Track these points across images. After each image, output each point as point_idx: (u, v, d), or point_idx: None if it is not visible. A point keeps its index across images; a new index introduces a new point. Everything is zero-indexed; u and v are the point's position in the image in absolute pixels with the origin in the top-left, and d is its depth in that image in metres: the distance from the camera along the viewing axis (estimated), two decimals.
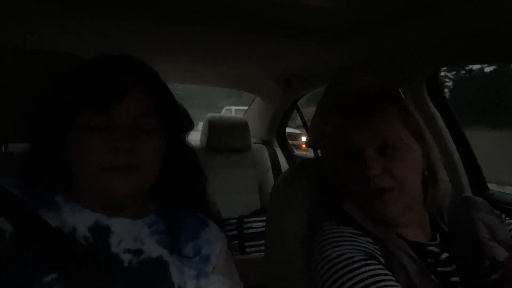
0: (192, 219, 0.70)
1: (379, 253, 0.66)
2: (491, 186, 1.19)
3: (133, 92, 0.60)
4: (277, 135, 2.34)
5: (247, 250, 1.71)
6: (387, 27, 0.97)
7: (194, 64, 1.59)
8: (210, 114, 2.09)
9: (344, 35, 1.11)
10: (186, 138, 0.74)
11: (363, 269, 0.61)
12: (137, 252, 0.60)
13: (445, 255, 0.71)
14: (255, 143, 2.29)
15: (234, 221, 1.75)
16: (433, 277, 0.66)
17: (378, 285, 0.58)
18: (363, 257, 0.63)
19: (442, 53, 1.00)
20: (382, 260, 0.65)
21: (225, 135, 2.03)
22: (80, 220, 0.59)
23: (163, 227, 0.66)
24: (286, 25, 1.11)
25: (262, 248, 1.72)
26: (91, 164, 0.57)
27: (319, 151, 1.03)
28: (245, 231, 1.74)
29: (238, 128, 2.07)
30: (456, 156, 1.16)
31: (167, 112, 0.65)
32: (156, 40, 1.23)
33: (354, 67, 0.89)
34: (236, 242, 1.73)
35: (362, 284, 0.59)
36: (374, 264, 0.62)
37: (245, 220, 1.77)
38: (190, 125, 0.74)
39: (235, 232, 1.73)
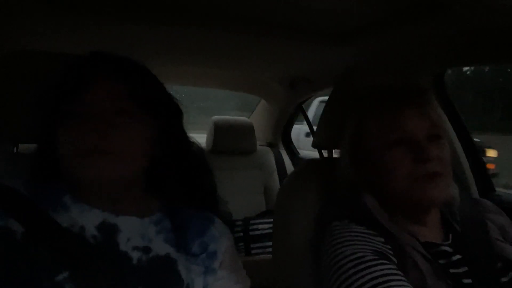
0: (197, 216, 0.70)
1: (391, 252, 0.66)
2: None
3: (104, 78, 0.62)
4: (283, 137, 2.34)
5: (253, 252, 1.72)
6: (392, 28, 0.97)
7: (197, 66, 1.60)
8: (216, 117, 2.09)
9: (348, 36, 1.11)
10: (181, 127, 0.73)
11: (374, 269, 0.60)
12: (146, 249, 0.61)
13: (457, 256, 0.71)
14: (260, 145, 2.29)
15: (240, 222, 1.76)
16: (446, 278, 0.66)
17: (388, 284, 0.58)
18: (374, 256, 0.62)
19: (448, 53, 1.00)
20: (395, 260, 0.65)
21: (231, 138, 2.03)
22: (88, 219, 0.60)
23: (170, 225, 0.67)
24: (290, 27, 1.11)
25: (268, 250, 1.72)
26: (67, 150, 0.58)
27: (323, 151, 1.03)
28: (251, 233, 1.74)
29: (243, 130, 2.08)
30: (463, 158, 1.16)
31: (148, 98, 0.65)
32: (160, 43, 1.23)
33: (360, 68, 0.90)
34: (242, 244, 1.73)
35: (372, 283, 0.58)
36: (385, 264, 0.62)
37: (251, 222, 1.77)
38: (178, 113, 0.74)
39: (241, 234, 1.74)
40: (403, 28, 0.95)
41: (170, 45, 1.29)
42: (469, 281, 0.68)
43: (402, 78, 0.95)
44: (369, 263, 0.61)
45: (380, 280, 0.58)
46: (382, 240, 0.68)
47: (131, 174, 0.63)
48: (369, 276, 0.59)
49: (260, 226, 1.74)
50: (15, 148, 0.83)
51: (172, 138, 0.69)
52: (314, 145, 0.99)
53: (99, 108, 0.60)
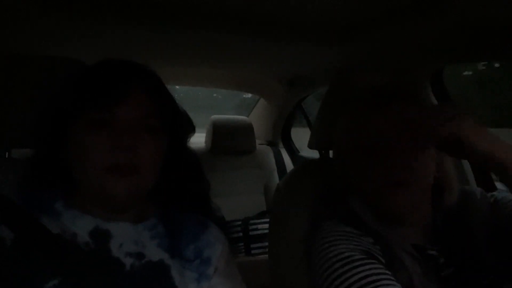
0: (192, 221, 0.70)
1: (380, 253, 0.66)
2: None
3: (136, 93, 0.62)
4: (282, 136, 2.33)
5: (253, 252, 1.71)
6: (389, 25, 0.96)
7: (196, 66, 1.59)
8: (214, 116, 2.09)
9: (345, 34, 1.10)
10: (187, 142, 0.74)
11: (361, 268, 0.60)
12: (139, 255, 0.60)
13: (444, 259, 0.70)
14: (260, 144, 2.28)
15: (239, 222, 1.75)
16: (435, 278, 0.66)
17: (376, 284, 0.58)
18: (362, 256, 0.62)
19: (445, 50, 0.99)
20: (383, 260, 0.65)
21: (230, 137, 2.03)
22: (80, 226, 0.59)
23: (164, 230, 0.66)
24: (287, 25, 1.11)
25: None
26: (92, 162, 0.57)
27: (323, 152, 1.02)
28: (250, 233, 1.73)
29: (242, 129, 2.07)
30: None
31: (169, 114, 0.66)
32: (158, 44, 1.23)
33: (354, 67, 0.88)
34: (241, 244, 1.73)
35: (360, 283, 0.58)
36: (373, 263, 0.61)
37: (251, 221, 1.76)
38: (191, 129, 0.75)
39: (241, 234, 1.73)
40: (400, 25, 0.94)
41: (168, 46, 1.29)
42: (447, 272, 0.68)
43: (398, 76, 0.94)
44: (357, 263, 0.61)
45: (369, 279, 0.58)
46: (371, 240, 0.68)
47: (148, 188, 0.64)
48: (357, 276, 0.59)
49: (260, 226, 1.74)
50: (7, 153, 0.83)
51: (179, 153, 0.71)
52: (310, 145, 0.98)
53: (131, 123, 0.60)
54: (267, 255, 0.91)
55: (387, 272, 0.61)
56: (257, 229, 1.74)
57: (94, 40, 1.14)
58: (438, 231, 0.75)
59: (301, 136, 2.36)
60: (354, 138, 0.73)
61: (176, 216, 0.69)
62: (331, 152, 0.94)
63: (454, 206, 0.75)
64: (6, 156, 0.82)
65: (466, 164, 1.12)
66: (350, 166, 0.74)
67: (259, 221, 1.76)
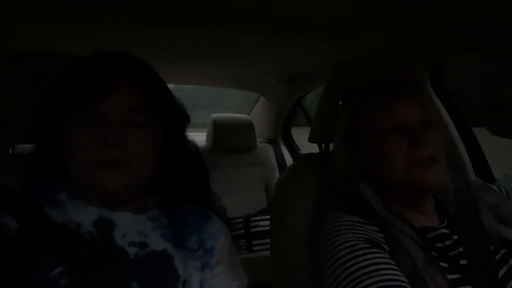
0: (194, 213, 0.71)
1: (384, 241, 0.67)
2: None
3: (123, 86, 0.61)
4: (283, 133, 2.34)
5: (255, 248, 1.72)
6: (388, 20, 0.96)
7: (194, 64, 1.59)
8: (215, 114, 2.09)
9: (344, 29, 1.11)
10: (184, 132, 0.73)
11: (365, 257, 0.61)
12: (142, 245, 0.61)
13: (452, 239, 0.73)
14: (261, 142, 2.29)
15: (241, 219, 1.76)
16: (440, 263, 0.67)
17: (379, 273, 0.59)
18: (367, 245, 0.64)
19: (444, 44, 0.99)
20: (387, 248, 0.66)
21: (230, 135, 2.03)
22: (84, 216, 0.60)
23: (166, 221, 0.67)
24: (285, 22, 1.11)
25: (269, 246, 1.72)
26: (82, 159, 0.57)
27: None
28: (252, 230, 1.74)
29: (243, 127, 2.07)
30: (463, 149, 1.15)
31: (161, 106, 0.65)
32: (156, 41, 1.23)
33: (354, 62, 0.89)
34: (243, 240, 1.73)
35: (363, 271, 0.59)
36: (377, 252, 0.63)
37: (252, 218, 1.77)
38: (186, 120, 0.74)
39: (242, 231, 1.74)
40: (398, 19, 0.94)
41: (167, 45, 1.29)
42: (465, 261, 0.70)
43: (397, 70, 0.95)
44: (361, 251, 0.62)
45: (372, 268, 0.60)
46: (375, 228, 0.69)
47: (144, 180, 0.64)
48: (360, 264, 0.60)
49: (261, 223, 1.74)
50: (10, 149, 0.83)
51: (176, 143, 0.70)
52: (310, 139, 0.99)
53: (117, 118, 0.59)
54: (268, 252, 0.92)
55: (390, 261, 0.62)
56: (258, 226, 1.74)
57: (93, 37, 1.14)
58: (445, 212, 0.78)
59: (304, 135, 2.36)
60: (377, 125, 0.74)
61: (178, 207, 0.70)
62: (331, 145, 0.95)
63: (464, 194, 0.79)
64: (10, 152, 0.83)
65: (464, 154, 1.13)
66: (373, 153, 0.75)
67: (260, 218, 1.76)
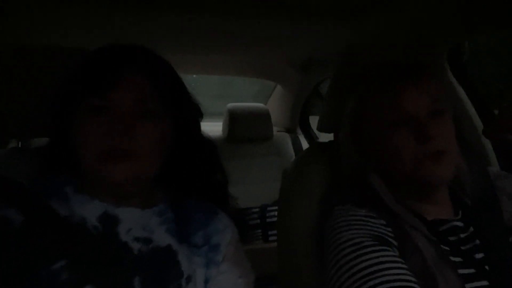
0: (201, 208, 0.70)
1: (392, 235, 0.64)
2: None
3: (134, 76, 0.60)
4: (300, 122, 2.30)
5: (271, 238, 1.71)
6: (403, 2, 0.91)
7: (208, 53, 1.58)
8: (231, 104, 2.08)
9: (357, 12, 1.06)
10: (197, 127, 0.72)
11: (371, 255, 0.59)
12: (146, 240, 0.61)
13: (468, 231, 0.69)
14: (278, 131, 2.27)
15: (257, 209, 1.75)
16: (453, 258, 0.64)
17: (385, 272, 0.56)
18: (373, 242, 0.61)
19: (462, 24, 0.93)
20: (395, 243, 0.63)
21: (247, 125, 2.02)
22: (89, 211, 0.60)
23: (172, 216, 0.66)
24: (299, 6, 1.07)
25: None
26: (89, 148, 0.57)
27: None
28: (268, 220, 1.74)
29: (259, 117, 2.05)
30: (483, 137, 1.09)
31: (172, 99, 0.64)
32: (167, 31, 1.23)
33: (363, 46, 0.85)
34: (259, 230, 1.73)
35: (369, 270, 0.57)
36: (384, 250, 0.60)
37: (268, 208, 1.76)
38: (199, 114, 0.73)
39: (258, 220, 1.74)
40: None
41: (178, 35, 1.29)
42: (481, 255, 0.66)
43: (412, 53, 0.90)
44: (368, 249, 0.60)
45: (378, 267, 0.57)
46: (384, 222, 0.66)
47: (152, 174, 0.63)
48: (366, 263, 0.58)
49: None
50: (19, 143, 0.85)
51: (188, 138, 0.69)
52: (319, 128, 0.96)
53: (126, 108, 0.59)
54: None
55: (397, 259, 0.59)
56: (274, 216, 1.73)
57: (104, 29, 1.14)
58: (460, 203, 0.74)
59: None
60: (381, 116, 0.71)
61: (185, 202, 0.69)
62: None
63: (482, 183, 0.75)
64: (19, 146, 0.85)
65: (487, 143, 1.07)
66: (378, 145, 0.72)
67: (276, 208, 1.75)
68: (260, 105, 2.21)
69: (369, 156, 0.75)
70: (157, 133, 0.61)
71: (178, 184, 0.71)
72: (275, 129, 2.19)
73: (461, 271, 0.63)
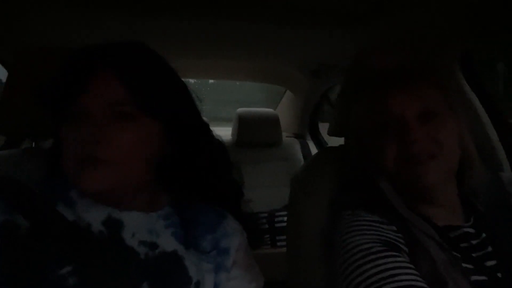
0: (209, 212, 0.68)
1: (402, 241, 0.63)
2: None
3: (105, 78, 0.56)
4: (310, 128, 2.29)
5: (279, 243, 1.71)
6: (414, 4, 0.91)
7: (218, 58, 1.59)
8: (240, 109, 2.09)
9: (368, 18, 1.06)
10: (199, 128, 0.68)
11: (381, 261, 0.58)
12: (152, 245, 0.60)
13: (479, 238, 0.68)
14: (287, 136, 2.26)
15: (265, 214, 1.75)
16: (465, 265, 0.62)
17: (396, 278, 0.55)
18: (383, 248, 0.60)
19: (473, 28, 0.92)
20: (406, 249, 0.62)
21: (256, 130, 2.02)
22: (94, 215, 0.59)
23: (179, 220, 0.65)
24: (309, 12, 1.08)
25: None
26: (67, 156, 0.56)
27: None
28: (276, 225, 1.73)
29: (268, 122, 2.06)
30: (497, 142, 1.07)
31: (152, 98, 0.59)
32: (175, 36, 1.24)
33: (375, 50, 0.85)
34: (267, 235, 1.72)
35: (379, 276, 0.56)
36: (394, 256, 0.59)
37: (277, 213, 1.76)
38: (192, 106, 0.68)
39: (266, 225, 1.73)
40: (425, 3, 0.89)
41: (186, 40, 1.30)
42: (493, 262, 0.65)
43: (422, 57, 0.89)
44: (377, 255, 0.59)
45: (389, 273, 0.56)
46: (394, 228, 0.65)
47: (134, 182, 0.59)
48: (376, 269, 0.57)
49: (286, 218, 1.72)
50: (33, 143, 0.86)
51: (185, 136, 0.65)
52: (330, 132, 0.95)
53: (98, 112, 0.55)
54: None
55: (407, 265, 0.58)
56: (283, 221, 1.73)
57: (110, 33, 1.15)
58: (472, 209, 0.73)
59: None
60: (369, 119, 0.71)
61: (192, 205, 0.67)
62: None
63: (495, 189, 0.74)
64: (33, 146, 0.86)
65: (498, 147, 1.05)
66: (367, 148, 0.72)
67: (285, 213, 1.74)
68: (269, 110, 2.22)
69: (372, 160, 0.73)
70: (134, 137, 0.57)
71: (183, 186, 0.68)
72: (284, 134, 2.19)
73: (472, 278, 0.61)
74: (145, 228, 0.61)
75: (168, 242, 0.61)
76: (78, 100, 0.56)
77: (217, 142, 0.71)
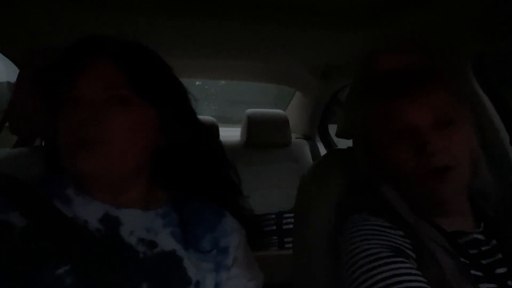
0: (207, 210, 0.68)
1: (410, 247, 0.62)
2: None
3: (98, 63, 0.59)
4: (319, 129, 2.28)
5: (287, 245, 1.70)
6: (424, 5, 0.89)
7: (227, 59, 1.59)
8: (250, 110, 2.09)
9: (379, 18, 1.05)
10: (190, 118, 0.69)
11: (387, 267, 0.57)
12: (151, 243, 0.59)
13: (489, 245, 0.66)
14: (296, 138, 2.26)
15: (273, 216, 1.74)
16: (473, 272, 0.61)
17: (403, 285, 0.54)
18: (390, 253, 0.59)
19: (484, 29, 0.90)
20: (413, 255, 0.61)
21: (265, 131, 2.02)
22: (90, 213, 0.58)
23: (177, 219, 0.64)
24: (317, 12, 1.07)
25: None
26: (64, 140, 0.57)
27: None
28: (284, 227, 1.72)
29: (277, 123, 2.05)
30: (510, 148, 1.05)
31: (148, 84, 0.61)
32: (186, 36, 1.24)
33: (386, 51, 0.84)
34: (275, 237, 1.72)
35: (386, 282, 0.55)
36: (401, 262, 0.58)
37: (285, 215, 1.75)
38: (184, 98, 0.69)
39: (274, 227, 1.72)
40: (436, 4, 0.87)
41: (198, 39, 1.30)
42: (503, 270, 0.63)
43: (433, 59, 0.87)
44: (384, 261, 0.58)
45: (395, 279, 0.55)
46: (401, 233, 0.64)
47: (131, 165, 0.60)
48: (382, 275, 0.56)
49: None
50: (42, 142, 0.87)
51: (179, 127, 0.66)
52: (338, 134, 0.94)
53: (94, 95, 0.57)
54: None
55: (414, 272, 0.57)
56: (291, 223, 1.71)
57: (114, 31, 1.16)
58: (482, 215, 0.71)
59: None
60: (383, 127, 0.69)
61: (191, 204, 0.67)
62: None
63: (507, 194, 0.73)
64: (42, 145, 0.87)
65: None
66: (382, 157, 0.70)
67: (292, 215, 1.74)
68: (279, 111, 2.21)
69: (380, 166, 0.72)
70: (130, 120, 0.58)
71: (180, 182, 0.69)
72: (293, 135, 2.18)
73: (481, 286, 0.60)
74: (143, 226, 0.60)
75: (166, 241, 0.61)
76: (75, 84, 0.57)
77: (213, 139, 0.72)
